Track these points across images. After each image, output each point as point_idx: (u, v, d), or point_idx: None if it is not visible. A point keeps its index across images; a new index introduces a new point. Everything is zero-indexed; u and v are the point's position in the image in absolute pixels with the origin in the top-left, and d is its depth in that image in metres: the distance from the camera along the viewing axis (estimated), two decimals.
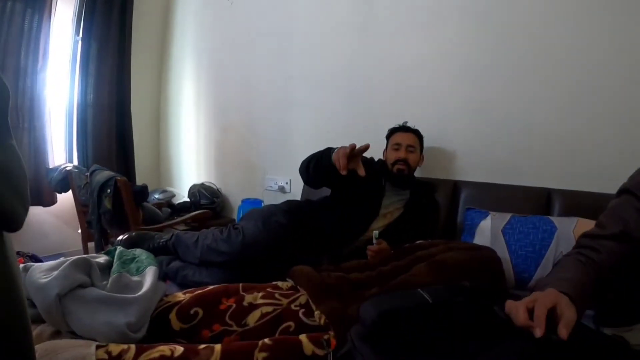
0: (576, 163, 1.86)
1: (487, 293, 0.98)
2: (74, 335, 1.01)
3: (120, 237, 1.68)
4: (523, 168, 1.99)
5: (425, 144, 2.07)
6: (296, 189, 2.72)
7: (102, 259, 1.26)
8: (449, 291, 0.92)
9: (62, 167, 2.78)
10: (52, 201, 2.92)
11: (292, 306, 1.15)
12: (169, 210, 2.98)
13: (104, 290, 1.08)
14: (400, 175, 1.90)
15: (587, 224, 1.50)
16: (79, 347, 0.91)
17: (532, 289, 1.00)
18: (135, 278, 1.18)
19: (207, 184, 3.17)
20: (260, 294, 1.17)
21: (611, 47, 1.76)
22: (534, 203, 1.84)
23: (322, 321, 1.07)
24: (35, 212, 2.85)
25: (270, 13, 2.88)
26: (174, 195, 3.28)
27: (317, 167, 1.65)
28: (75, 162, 3.08)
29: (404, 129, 2.02)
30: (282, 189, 2.87)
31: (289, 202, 1.81)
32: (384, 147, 2.06)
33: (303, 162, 1.75)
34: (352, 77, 2.53)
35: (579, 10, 1.82)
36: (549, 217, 1.70)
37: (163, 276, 1.49)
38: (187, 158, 3.56)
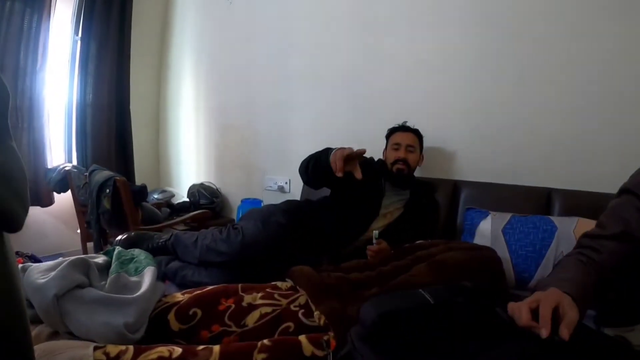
0: (576, 163, 1.86)
1: (488, 293, 0.97)
2: (72, 336, 1.00)
3: (119, 237, 1.67)
4: (523, 168, 1.98)
5: (426, 143, 2.06)
6: (296, 189, 2.72)
7: (100, 259, 1.26)
8: (450, 291, 0.92)
9: (61, 167, 2.77)
10: (49, 202, 2.91)
11: (292, 306, 1.14)
12: (168, 210, 2.97)
13: (102, 291, 1.07)
14: (400, 175, 1.90)
15: (588, 224, 1.50)
16: (77, 348, 0.90)
17: (532, 289, 0.99)
18: (134, 278, 1.17)
19: (206, 183, 3.17)
20: (260, 295, 1.17)
21: (612, 49, 1.76)
22: (534, 203, 1.84)
23: (321, 322, 1.06)
24: (35, 213, 2.85)
25: (270, 12, 2.87)
26: (173, 195, 3.27)
27: (315, 167, 1.65)
28: (75, 162, 3.07)
29: (403, 128, 2.01)
30: (281, 189, 2.86)
31: (289, 202, 1.81)
32: (384, 147, 2.05)
33: (302, 162, 1.75)
34: (352, 77, 2.52)
35: (580, 13, 1.81)
36: (550, 217, 1.69)
37: (162, 276, 1.48)
38: (187, 158, 3.56)
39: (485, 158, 2.09)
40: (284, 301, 1.15)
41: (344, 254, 1.68)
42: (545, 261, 1.57)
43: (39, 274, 1.05)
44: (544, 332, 0.69)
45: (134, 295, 1.06)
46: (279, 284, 1.26)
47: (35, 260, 2.26)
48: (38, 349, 0.86)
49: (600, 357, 0.71)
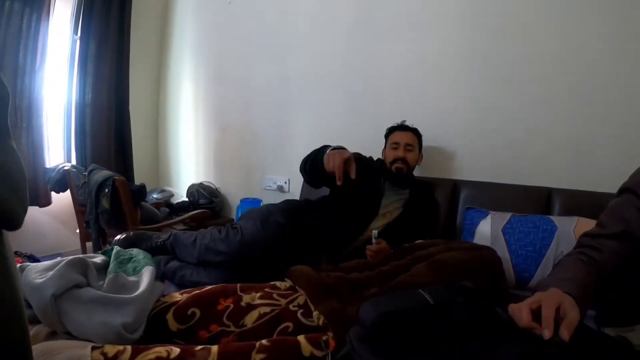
0: (576, 162, 1.86)
1: (488, 293, 0.97)
2: (70, 336, 1.00)
3: (117, 237, 1.66)
4: (523, 167, 1.98)
5: (425, 143, 2.06)
6: (295, 189, 2.72)
7: (98, 258, 1.25)
8: (450, 291, 0.91)
9: (60, 166, 2.77)
10: (47, 202, 2.90)
11: (291, 306, 1.13)
12: (167, 210, 2.97)
13: (100, 291, 1.07)
14: (399, 174, 1.90)
15: (588, 224, 1.50)
16: (75, 348, 0.90)
17: (532, 288, 0.99)
18: (132, 278, 1.16)
19: (205, 183, 3.16)
20: (258, 294, 1.16)
21: (611, 47, 1.76)
22: (534, 202, 1.84)
23: (320, 322, 1.06)
24: (34, 212, 2.84)
25: (269, 12, 2.87)
26: (172, 195, 3.26)
27: (312, 169, 1.65)
28: (74, 162, 3.06)
29: (402, 127, 2.01)
30: (280, 189, 2.86)
31: (288, 202, 1.80)
32: (383, 147, 2.05)
33: (302, 162, 1.75)
34: (351, 76, 2.52)
35: (579, 11, 1.82)
36: (549, 216, 1.69)
37: (161, 276, 1.48)
38: (186, 158, 3.55)
39: (485, 157, 2.08)
40: (283, 301, 1.15)
41: (343, 254, 1.68)
42: (545, 261, 1.57)
43: (37, 274, 1.05)
44: (547, 333, 0.68)
45: (132, 295, 1.06)
46: (278, 283, 1.26)
47: (34, 260, 2.27)
48: (36, 349, 0.86)
49: (601, 357, 0.71)
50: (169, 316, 1.07)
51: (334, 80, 2.59)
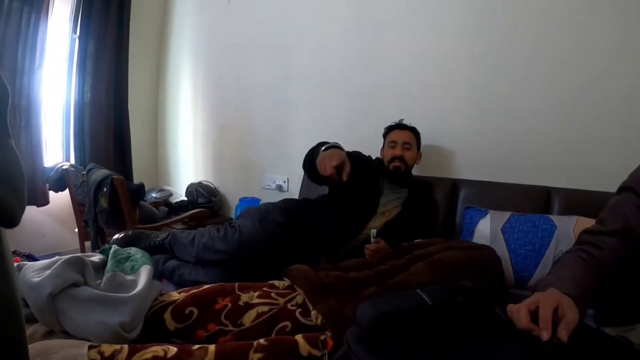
0: (576, 162, 1.85)
1: (487, 293, 0.97)
2: (67, 335, 1.00)
3: (116, 236, 1.66)
4: (523, 167, 1.98)
5: (425, 142, 2.06)
6: (294, 188, 2.71)
7: (96, 257, 1.25)
8: (449, 291, 0.91)
9: (59, 165, 2.76)
10: (45, 201, 2.89)
11: (289, 306, 1.13)
12: (166, 209, 2.96)
13: (97, 290, 1.06)
14: (397, 172, 1.90)
15: (587, 223, 1.49)
16: (71, 347, 0.89)
17: (532, 288, 0.99)
18: (130, 277, 1.16)
19: (204, 182, 3.15)
20: (257, 294, 1.16)
21: (611, 48, 1.76)
22: (534, 202, 1.83)
23: (318, 321, 1.06)
24: (33, 212, 2.83)
25: (269, 11, 2.86)
26: (171, 194, 3.25)
27: (310, 169, 1.66)
28: (73, 161, 3.05)
29: (400, 126, 2.02)
30: (280, 188, 2.85)
31: (287, 201, 1.80)
32: (382, 146, 2.04)
33: (303, 160, 1.75)
34: (350, 75, 2.51)
35: (580, 11, 1.81)
36: (549, 215, 1.69)
37: (159, 275, 1.47)
38: (185, 157, 3.55)
39: (485, 157, 2.08)
40: (281, 300, 1.14)
41: (342, 253, 1.68)
42: (545, 260, 1.56)
43: (34, 273, 1.04)
44: (545, 335, 0.68)
45: (130, 294, 1.05)
46: (276, 282, 1.25)
47: (33, 259, 2.26)
48: (33, 348, 0.86)
49: (601, 357, 0.70)
50: (167, 315, 1.07)
51: (334, 79, 2.58)
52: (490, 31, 2.03)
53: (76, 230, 2.72)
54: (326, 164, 1.46)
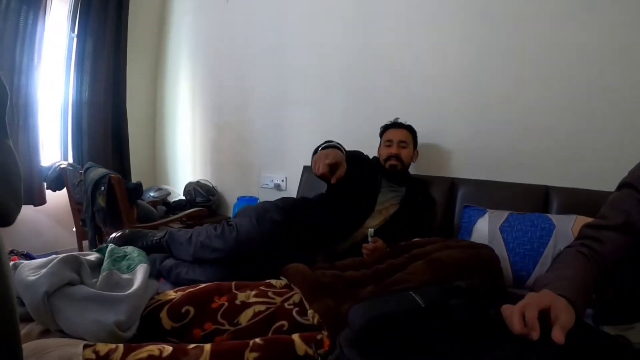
0: (574, 161, 1.85)
1: (485, 292, 0.96)
2: (63, 334, 0.99)
3: (113, 235, 1.65)
4: (521, 165, 1.97)
5: (423, 141, 2.05)
6: (292, 187, 2.71)
7: (92, 256, 1.24)
8: (442, 293, 0.89)
9: (57, 164, 2.76)
10: (42, 201, 2.88)
11: (286, 305, 1.13)
12: (164, 208, 2.96)
13: (93, 288, 1.06)
14: (393, 170, 1.90)
15: (585, 222, 1.48)
16: (67, 347, 0.89)
17: (530, 286, 0.98)
18: (126, 276, 1.16)
19: (202, 181, 3.15)
20: (253, 292, 1.15)
21: (609, 47, 1.75)
22: (532, 201, 1.83)
23: (315, 320, 1.05)
24: (30, 211, 2.83)
25: (267, 10, 2.86)
26: (169, 193, 3.25)
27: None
28: (70, 160, 3.05)
29: (395, 125, 2.02)
30: (277, 187, 2.85)
31: (284, 199, 1.79)
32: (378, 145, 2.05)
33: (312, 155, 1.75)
34: (349, 74, 2.51)
35: (579, 10, 1.81)
36: (547, 214, 1.68)
37: (156, 274, 1.47)
38: (183, 156, 3.54)
39: (483, 155, 2.07)
40: (278, 299, 1.14)
41: (339, 251, 1.68)
42: (543, 259, 1.56)
43: (30, 271, 1.04)
44: (534, 335, 0.67)
45: (126, 293, 1.05)
46: (273, 281, 1.25)
47: (31, 258, 2.26)
48: (28, 347, 0.85)
49: (600, 357, 0.70)
50: (163, 314, 1.06)
51: (332, 78, 2.57)
52: (490, 31, 2.02)
53: (74, 229, 2.72)
54: (319, 164, 1.46)
